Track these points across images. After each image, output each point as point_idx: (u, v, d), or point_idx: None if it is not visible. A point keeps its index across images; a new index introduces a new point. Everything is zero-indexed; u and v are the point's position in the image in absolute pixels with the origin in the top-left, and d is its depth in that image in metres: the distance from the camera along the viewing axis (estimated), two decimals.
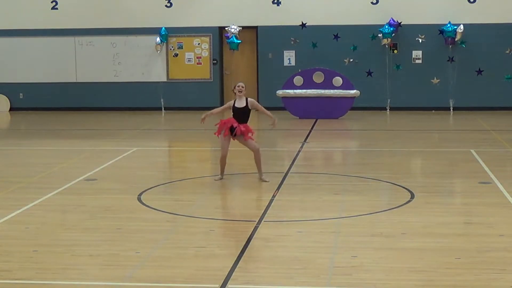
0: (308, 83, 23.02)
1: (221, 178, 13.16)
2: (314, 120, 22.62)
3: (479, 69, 23.74)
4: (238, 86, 12.98)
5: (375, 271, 8.06)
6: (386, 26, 24.35)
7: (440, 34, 24.32)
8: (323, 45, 24.62)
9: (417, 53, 24.99)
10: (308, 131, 20.22)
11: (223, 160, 13.14)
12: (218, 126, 13.13)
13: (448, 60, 24.35)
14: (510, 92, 24.49)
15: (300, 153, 16.57)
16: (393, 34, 24.47)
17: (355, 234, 9.60)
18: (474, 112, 24.22)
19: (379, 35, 24.46)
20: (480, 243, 9.14)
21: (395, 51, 24.96)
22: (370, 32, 24.45)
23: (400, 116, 23.93)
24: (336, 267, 8.17)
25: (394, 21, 24.42)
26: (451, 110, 24.71)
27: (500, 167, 14.48)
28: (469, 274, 7.91)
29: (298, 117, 23.09)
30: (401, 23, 24.42)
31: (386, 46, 24.60)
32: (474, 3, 24.44)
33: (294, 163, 15.25)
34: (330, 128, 21.29)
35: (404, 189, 12.38)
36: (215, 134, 13.20)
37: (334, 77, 23.01)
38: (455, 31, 24.11)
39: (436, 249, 8.88)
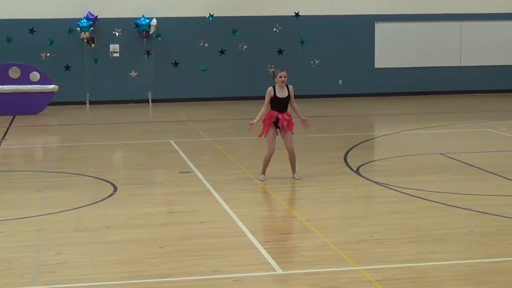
0: (4, 79, 22.28)
1: (264, 178, 12.38)
2: (12, 116, 21.94)
3: (175, 61, 24.34)
4: (282, 77, 12.03)
5: (81, 266, 8.04)
6: (84, 20, 24.19)
7: (136, 28, 24.64)
8: (18, 40, 23.89)
9: (114, 47, 25.09)
10: (6, 128, 19.60)
11: (268, 158, 12.29)
12: (262, 125, 12.23)
13: (145, 53, 24.73)
14: (204, 83, 25.38)
15: None
16: (91, 28, 24.38)
17: (60, 230, 9.51)
18: (172, 103, 24.83)
19: (77, 29, 24.26)
20: (183, 231, 9.45)
21: (93, 45, 24.88)
22: (67, 26, 24.14)
23: (101, 109, 23.92)
24: (41, 265, 8.05)
25: (91, 15, 24.32)
26: (150, 102, 25.16)
27: (199, 156, 15.02)
28: (174, 262, 8.16)
29: None
30: (98, 17, 24.37)
31: (84, 40, 24.46)
32: None
33: None
34: (29, 124, 20.78)
35: (107, 182, 12.44)
36: (259, 136, 12.38)
37: (31, 72, 22.48)
38: (149, 24, 24.56)
39: (141, 240, 9.05)
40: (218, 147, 15.99)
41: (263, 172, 12.44)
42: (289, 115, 12.23)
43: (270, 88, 12.18)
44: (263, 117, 12.19)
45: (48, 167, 14.31)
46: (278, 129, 12.23)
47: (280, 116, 12.09)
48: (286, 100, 12.18)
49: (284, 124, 12.12)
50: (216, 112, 22.84)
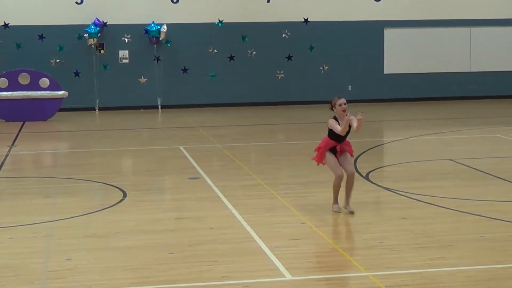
0: (14, 85, 22.35)
1: (339, 209, 10.72)
2: (22, 122, 22.00)
3: (185, 67, 24.34)
4: (342, 104, 10.50)
5: (90, 272, 8.05)
6: (92, 26, 24.25)
7: (146, 34, 24.69)
8: (27, 46, 23.95)
9: (123, 53, 25.15)
10: (16, 134, 19.65)
11: (338, 184, 10.71)
12: (317, 152, 10.76)
13: (154, 59, 24.76)
14: (214, 89, 25.41)
15: (8, 157, 16.06)
16: (99, 34, 24.43)
17: (69, 237, 9.52)
18: (181, 109, 24.85)
19: (85, 35, 24.31)
20: (192, 237, 9.44)
21: (102, 51, 24.94)
22: (76, 32, 24.20)
23: (110, 115, 23.97)
24: (50, 271, 8.06)
25: (99, 21, 24.37)
26: (159, 108, 25.19)
27: (208, 162, 15.02)
28: (182, 268, 8.15)
29: (4, 120, 22.34)
30: (107, 23, 24.42)
31: (93, 46, 24.52)
32: (177, 3, 24.99)
33: (2, 167, 14.77)
34: (38, 130, 20.83)
35: (116, 188, 12.44)
36: (318, 163, 10.81)
37: (41, 78, 22.55)
38: (159, 30, 24.61)
39: (150, 246, 9.04)
40: (227, 153, 15.98)
41: (335, 201, 10.81)
42: (348, 143, 10.90)
43: (332, 120, 10.57)
44: (319, 144, 10.77)
45: (57, 173, 14.33)
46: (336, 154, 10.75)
47: (338, 147, 10.72)
48: (348, 132, 10.59)
49: (339, 154, 10.75)
50: (225, 118, 22.86)
